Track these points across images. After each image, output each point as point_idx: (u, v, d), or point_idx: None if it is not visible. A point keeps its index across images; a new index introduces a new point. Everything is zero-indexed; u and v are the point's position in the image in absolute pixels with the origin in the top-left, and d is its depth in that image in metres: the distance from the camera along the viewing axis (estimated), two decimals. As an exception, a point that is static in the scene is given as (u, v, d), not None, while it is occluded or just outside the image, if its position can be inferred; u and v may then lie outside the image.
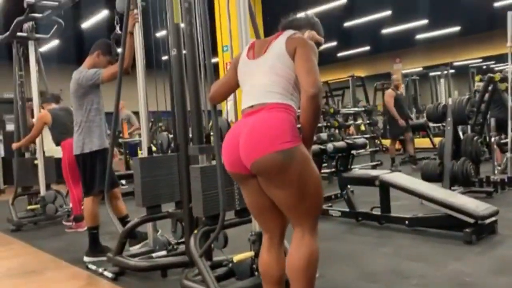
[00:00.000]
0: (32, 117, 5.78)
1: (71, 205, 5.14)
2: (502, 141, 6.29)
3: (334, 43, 14.79)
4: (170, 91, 3.19)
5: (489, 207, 3.60)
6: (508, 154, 5.72)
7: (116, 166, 7.87)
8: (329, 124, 8.18)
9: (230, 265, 2.63)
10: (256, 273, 2.49)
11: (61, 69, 10.85)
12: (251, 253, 2.55)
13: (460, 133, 5.72)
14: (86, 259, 3.60)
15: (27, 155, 5.83)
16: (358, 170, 5.08)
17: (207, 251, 2.65)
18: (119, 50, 3.48)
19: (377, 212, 4.17)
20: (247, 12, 2.69)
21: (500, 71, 6.49)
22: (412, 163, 8.29)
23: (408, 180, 4.13)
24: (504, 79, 5.99)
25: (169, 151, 3.32)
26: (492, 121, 6.07)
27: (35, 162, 5.45)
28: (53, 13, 4.93)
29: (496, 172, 5.76)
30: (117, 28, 3.72)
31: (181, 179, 2.99)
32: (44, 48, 11.34)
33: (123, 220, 3.72)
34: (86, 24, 10.76)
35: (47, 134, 5.23)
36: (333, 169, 5.82)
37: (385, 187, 4.09)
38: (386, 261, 3.16)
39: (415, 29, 14.01)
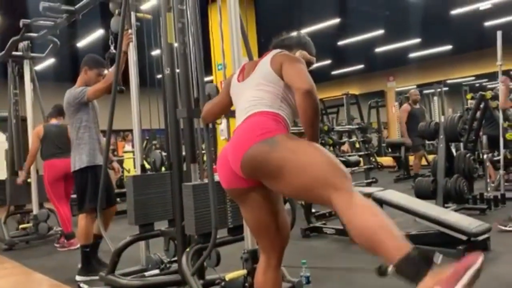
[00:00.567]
0: None
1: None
2: (495, 158, 6.33)
3: (328, 61, 14.94)
4: (163, 109, 3.21)
5: (481, 224, 3.61)
6: (501, 171, 5.75)
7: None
8: (323, 141, 8.21)
9: (223, 283, 2.61)
10: (248, 291, 2.47)
11: (57, 88, 10.84)
12: (244, 271, 2.53)
13: (453, 150, 5.76)
14: (78, 278, 3.57)
15: (20, 173, 5.80)
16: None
17: (199, 269, 2.64)
18: (112, 69, 3.52)
19: (371, 229, 4.16)
20: (239, 32, 2.73)
21: (492, 89, 6.55)
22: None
23: (401, 198, 4.14)
24: (495, 97, 6.06)
25: (163, 169, 3.33)
26: (484, 138, 6.12)
27: (28, 180, 5.44)
28: (49, 32, 4.97)
29: (489, 189, 5.79)
30: (112, 47, 3.76)
31: (174, 197, 2.99)
32: (39, 67, 11.38)
33: (96, 238, 3.70)
34: (81, 43, 10.84)
35: None
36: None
37: (379, 205, 4.08)
38: (379, 279, 3.14)
39: (408, 48, 14.19)
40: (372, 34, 12.15)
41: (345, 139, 9.76)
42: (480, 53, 13.96)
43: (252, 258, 2.49)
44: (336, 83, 18.09)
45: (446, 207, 4.79)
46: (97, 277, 3.27)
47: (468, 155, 5.45)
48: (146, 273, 3.16)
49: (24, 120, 5.73)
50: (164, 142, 3.35)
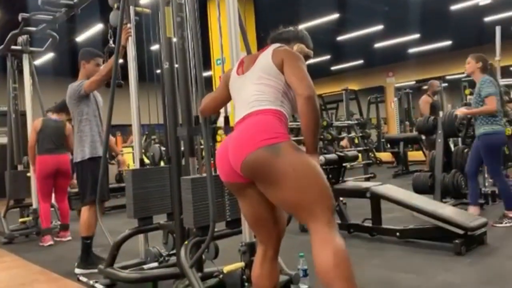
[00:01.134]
0: None
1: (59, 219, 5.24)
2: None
3: (327, 57, 14.92)
4: (162, 104, 3.22)
5: (478, 218, 3.64)
6: (499, 167, 5.76)
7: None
8: (322, 137, 8.24)
9: (221, 276, 2.63)
10: (246, 284, 2.50)
11: (56, 82, 10.85)
12: (242, 264, 2.56)
13: (452, 146, 5.77)
14: (77, 270, 3.60)
15: (19, 167, 5.82)
16: (350, 182, 5.11)
17: (198, 262, 2.66)
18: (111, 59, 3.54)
19: (368, 224, 4.19)
20: (238, 27, 2.74)
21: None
22: None
23: (399, 192, 4.16)
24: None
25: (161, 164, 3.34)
26: (482, 134, 6.12)
27: (28, 174, 5.45)
28: (48, 26, 4.98)
29: (486, 184, 5.80)
30: (111, 41, 3.77)
31: (173, 190, 3.01)
32: (38, 61, 11.36)
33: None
34: (80, 38, 10.82)
35: None
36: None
37: (376, 199, 4.12)
38: (377, 272, 3.18)
39: (407, 43, 14.17)
40: (372, 29, 12.13)
41: (344, 134, 9.79)
42: (480, 48, 13.84)
43: (250, 250, 2.52)
44: (336, 78, 18.07)
45: (444, 202, 4.81)
46: (96, 270, 3.31)
47: (466, 150, 5.47)
48: (145, 266, 3.19)
49: (23, 114, 5.74)
50: (163, 137, 3.37)
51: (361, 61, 16.90)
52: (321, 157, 4.63)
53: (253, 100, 1.97)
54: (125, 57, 3.46)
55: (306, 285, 2.78)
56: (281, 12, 9.64)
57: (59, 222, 5.32)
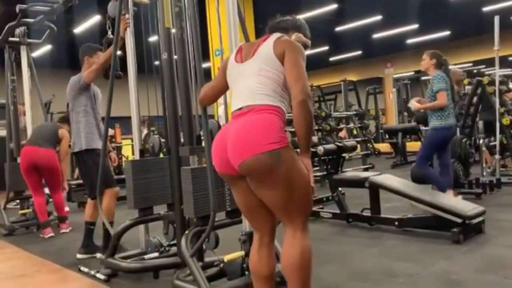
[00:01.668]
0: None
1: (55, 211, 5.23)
2: (491, 143, 6.38)
3: (326, 48, 14.88)
4: (161, 96, 3.23)
5: (476, 207, 3.67)
6: (497, 157, 5.80)
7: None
8: (321, 127, 8.25)
9: (221, 265, 2.66)
10: (246, 272, 2.52)
11: (54, 74, 10.84)
12: (242, 253, 2.58)
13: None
14: (79, 256, 3.70)
15: (19, 160, 5.82)
16: (348, 172, 5.13)
17: (198, 251, 2.68)
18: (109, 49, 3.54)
19: (367, 213, 4.22)
20: (237, 18, 2.74)
21: (489, 74, 6.56)
22: None
23: (397, 182, 4.19)
24: (492, 82, 6.08)
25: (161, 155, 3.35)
26: (480, 124, 6.16)
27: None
28: (46, 18, 4.96)
29: (485, 174, 5.84)
30: (109, 32, 3.76)
31: (173, 181, 3.03)
32: (36, 53, 11.32)
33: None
34: (78, 29, 10.78)
35: None
36: (325, 172, 5.87)
37: (374, 189, 4.15)
38: (375, 261, 3.21)
39: (405, 34, 14.15)
40: (370, 20, 12.11)
41: (342, 125, 9.80)
42: (478, 38, 13.94)
43: (249, 240, 2.53)
44: (334, 69, 18.06)
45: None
46: (98, 255, 3.33)
47: (464, 140, 5.49)
48: (146, 256, 3.21)
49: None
50: (163, 129, 3.37)
51: (359, 52, 16.89)
52: (320, 147, 4.66)
53: (253, 92, 1.97)
54: (123, 48, 3.46)
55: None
56: (280, 2, 9.57)
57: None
